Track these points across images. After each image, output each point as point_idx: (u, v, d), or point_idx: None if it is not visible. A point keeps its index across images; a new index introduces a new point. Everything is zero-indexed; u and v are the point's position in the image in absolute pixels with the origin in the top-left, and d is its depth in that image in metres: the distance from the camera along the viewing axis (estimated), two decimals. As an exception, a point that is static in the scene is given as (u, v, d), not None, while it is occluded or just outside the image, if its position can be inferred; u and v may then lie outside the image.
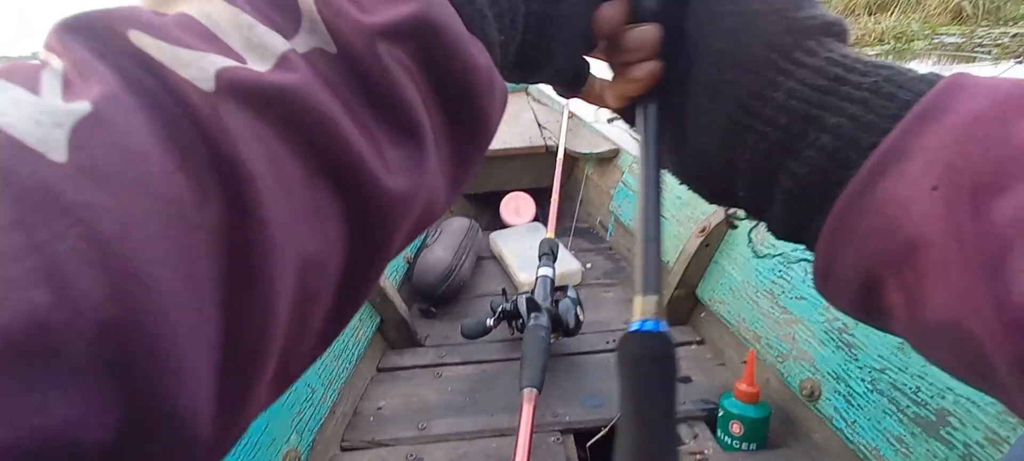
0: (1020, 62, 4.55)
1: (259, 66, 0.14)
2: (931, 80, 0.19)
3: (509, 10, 0.21)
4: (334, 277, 0.16)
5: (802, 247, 0.72)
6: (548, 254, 1.01)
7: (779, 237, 0.24)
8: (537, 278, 0.97)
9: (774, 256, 0.88)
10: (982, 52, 5.72)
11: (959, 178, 0.17)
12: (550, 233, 1.09)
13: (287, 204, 0.14)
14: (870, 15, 9.77)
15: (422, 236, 1.29)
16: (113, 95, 0.12)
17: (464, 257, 1.23)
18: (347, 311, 0.17)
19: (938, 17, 9.13)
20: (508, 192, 1.61)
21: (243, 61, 0.14)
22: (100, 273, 0.10)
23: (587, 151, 1.56)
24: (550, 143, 1.65)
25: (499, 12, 0.21)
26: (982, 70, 4.48)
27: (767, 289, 0.86)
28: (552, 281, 0.96)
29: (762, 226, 0.80)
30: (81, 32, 0.13)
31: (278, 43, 0.15)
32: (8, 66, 0.13)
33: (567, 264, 1.21)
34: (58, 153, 0.11)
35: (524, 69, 0.25)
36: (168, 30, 0.14)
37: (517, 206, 1.59)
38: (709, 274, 1.01)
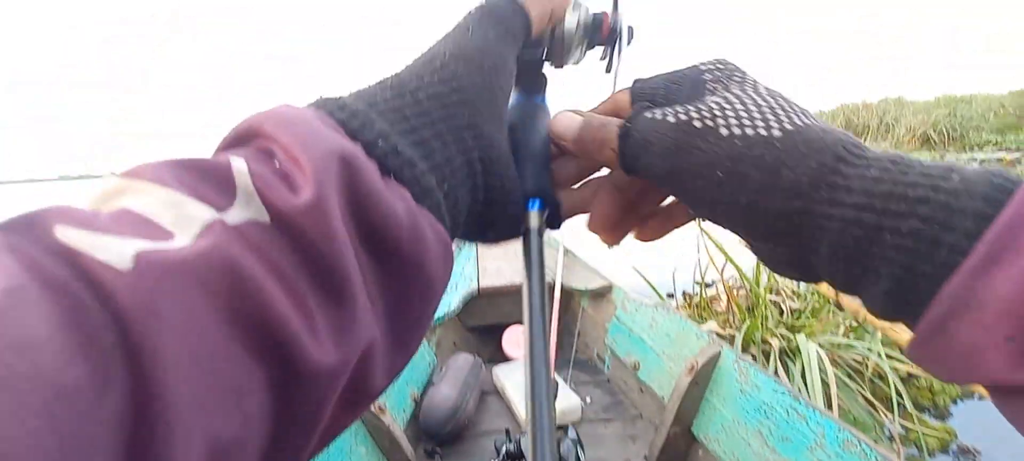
0: None
1: (184, 239, 0.14)
2: (999, 189, 0.16)
3: (446, 162, 0.21)
4: (256, 455, 0.15)
5: (782, 389, 0.79)
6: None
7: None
8: None
9: (759, 394, 0.92)
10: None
11: None
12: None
13: (201, 381, 0.13)
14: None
15: (429, 374, 1.36)
16: (14, 288, 0.12)
17: (469, 394, 1.27)
18: None
19: (908, 143, 9.78)
20: (510, 324, 1.67)
21: (171, 237, 0.14)
22: None
23: (582, 287, 1.64)
24: (549, 279, 1.74)
25: (434, 164, 0.21)
26: None
27: (756, 428, 0.91)
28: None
29: (744, 363, 0.86)
30: (5, 229, 0.13)
31: (205, 214, 0.15)
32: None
33: (567, 400, 1.27)
34: None
35: (482, 226, 0.25)
36: (97, 221, 0.14)
37: (518, 340, 1.62)
38: (702, 412, 1.05)
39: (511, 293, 1.72)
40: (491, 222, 0.25)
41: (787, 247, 0.21)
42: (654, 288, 2.30)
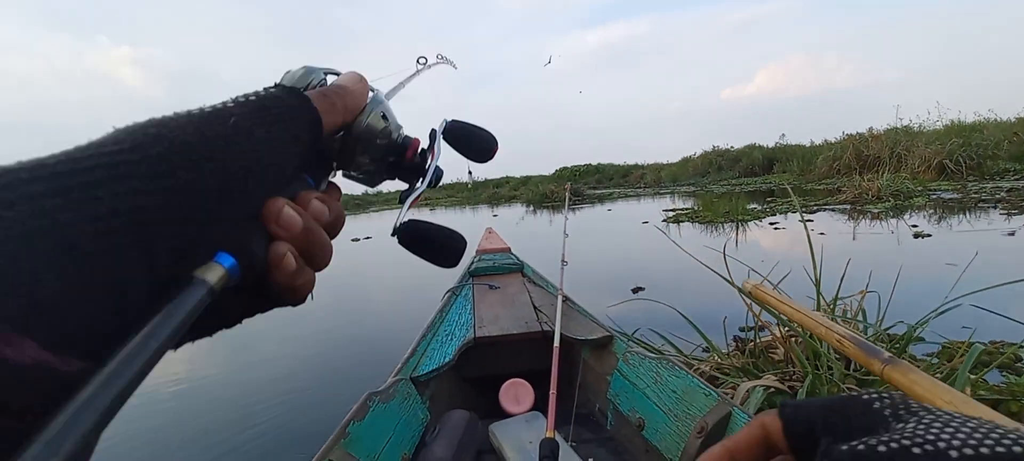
0: None
1: None
2: None
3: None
4: None
5: None
6: (549, 457, 0.99)
7: None
8: None
9: None
10: (984, 205, 5.94)
11: None
12: (550, 431, 1.09)
13: None
14: (863, 172, 10.36)
15: (421, 433, 1.31)
16: None
17: (465, 456, 1.23)
18: None
19: (924, 173, 9.65)
20: (508, 376, 1.62)
21: None
22: None
23: (583, 337, 1.60)
24: (547, 328, 1.70)
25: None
26: (998, 222, 4.64)
27: None
28: None
29: None
30: None
31: None
32: None
33: None
34: None
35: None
36: None
37: (516, 393, 1.58)
38: None
39: (510, 343, 1.69)
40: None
41: None
42: (701, 332, 2.15)
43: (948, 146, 9.84)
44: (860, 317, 2.10)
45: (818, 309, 1.85)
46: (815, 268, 1.93)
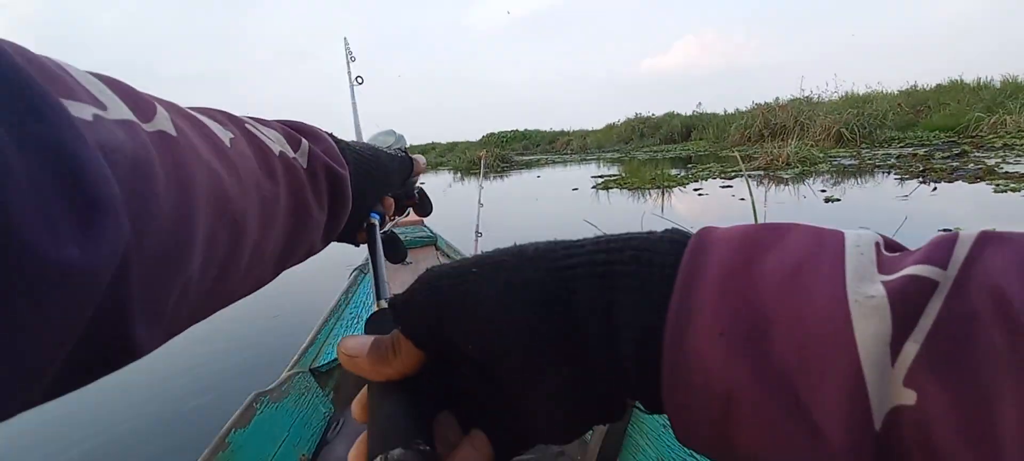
0: (923, 182, 5.15)
1: (287, 152, 0.34)
2: (676, 242, 0.20)
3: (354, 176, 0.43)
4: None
5: None
6: None
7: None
8: None
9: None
10: (879, 172, 6.41)
11: (736, 324, 0.17)
12: None
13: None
14: (771, 140, 11.02)
15: (322, 429, 1.17)
16: (238, 136, 0.29)
17: None
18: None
19: (825, 141, 10.41)
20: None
21: (277, 146, 0.33)
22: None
23: None
24: None
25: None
26: (893, 187, 5.01)
27: None
28: None
29: None
30: (225, 114, 0.31)
31: (290, 153, 0.35)
32: (180, 107, 0.26)
33: None
34: (226, 142, 0.27)
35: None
36: (258, 127, 0.33)
37: None
38: (626, 449, 1.00)
39: None
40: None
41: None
42: None
43: (844, 116, 10.65)
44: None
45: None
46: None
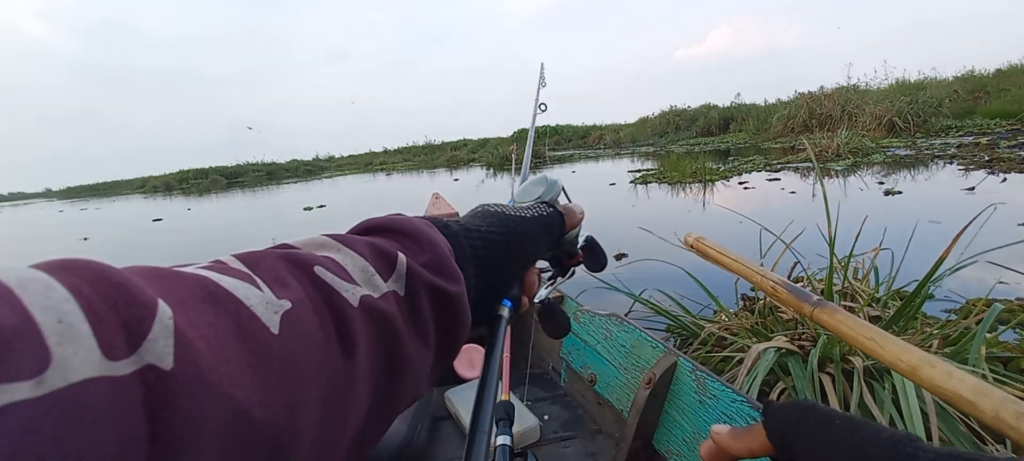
0: (991, 173, 4.80)
1: (373, 292, 0.26)
2: None
3: (478, 274, 0.35)
4: (361, 415, 0.26)
5: (740, 398, 0.86)
6: (504, 419, 0.97)
7: None
8: (495, 447, 0.92)
9: (718, 405, 0.90)
10: (939, 162, 6.05)
11: None
12: (504, 393, 1.06)
13: (387, 363, 0.27)
14: (817, 130, 10.57)
15: None
16: (302, 300, 0.22)
17: (420, 425, 1.19)
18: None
19: (875, 131, 9.91)
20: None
21: (360, 288, 0.26)
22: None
23: (533, 299, 1.50)
24: None
25: (475, 277, 0.35)
26: (957, 179, 4.68)
27: None
28: (511, 449, 0.93)
29: (702, 373, 0.97)
30: (286, 260, 0.24)
31: (381, 284, 0.27)
32: (220, 266, 0.22)
33: (524, 422, 1.22)
34: (274, 327, 0.20)
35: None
36: (333, 267, 0.25)
37: (470, 359, 1.55)
38: (662, 425, 1.03)
39: None
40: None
41: None
42: (710, 293, 2.09)
43: (897, 104, 10.11)
44: (872, 275, 2.06)
45: (831, 267, 1.70)
46: (830, 226, 1.78)
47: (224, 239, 7.52)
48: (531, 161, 1.11)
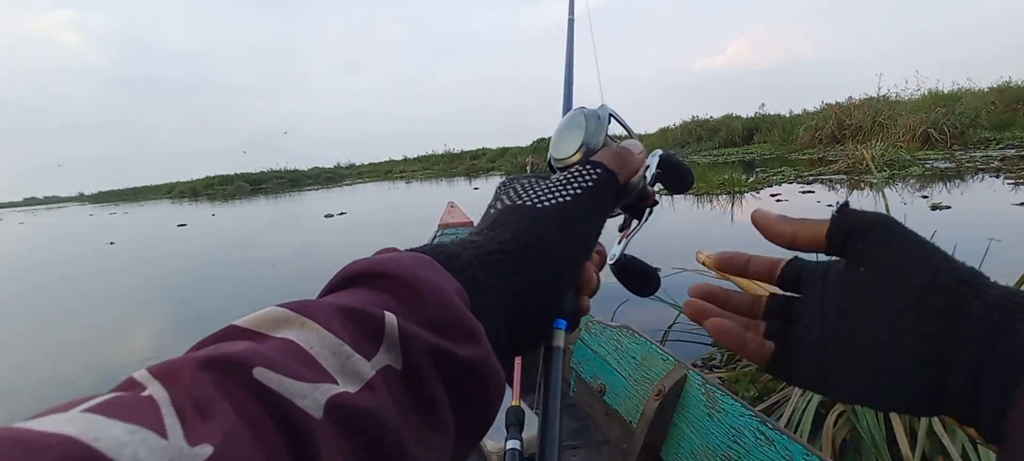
0: None
1: (351, 384, 0.18)
2: None
3: (509, 309, 0.27)
4: None
5: (748, 412, 0.89)
6: (515, 424, 0.95)
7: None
8: (505, 451, 0.89)
9: (726, 419, 0.90)
10: (981, 175, 5.79)
11: None
12: (515, 399, 1.04)
13: None
14: (848, 141, 10.27)
15: None
16: (232, 433, 0.15)
17: None
18: None
19: (909, 142, 9.59)
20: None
21: (337, 384, 0.18)
22: None
23: None
24: None
25: (499, 318, 0.26)
26: (1007, 193, 4.43)
27: (724, 452, 0.89)
28: (520, 453, 0.92)
29: (711, 387, 1.02)
30: (213, 369, 0.16)
31: (365, 369, 0.19)
32: (118, 400, 0.15)
33: (534, 429, 1.09)
34: None
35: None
36: (285, 365, 0.17)
37: None
38: (671, 437, 1.03)
39: None
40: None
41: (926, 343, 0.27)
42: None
43: (931, 115, 9.79)
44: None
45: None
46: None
47: (247, 238, 7.57)
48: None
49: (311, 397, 0.17)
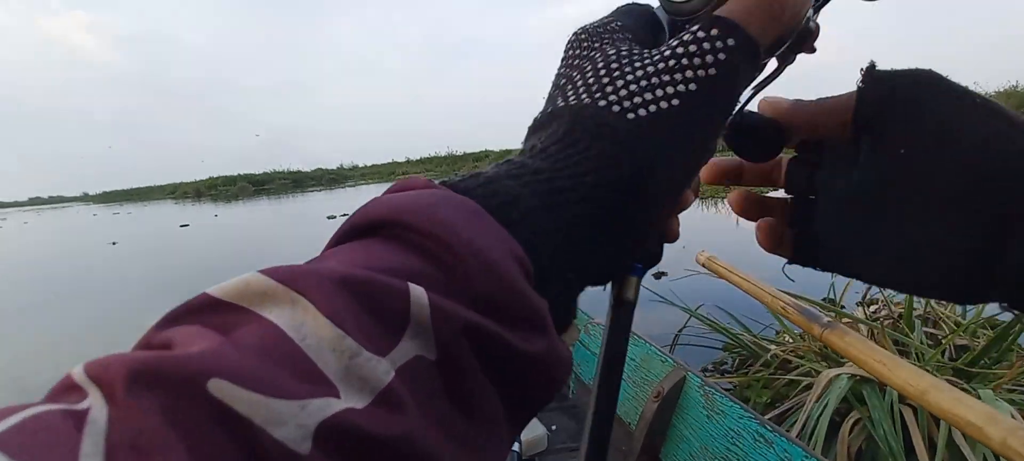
0: None
1: (357, 402, 0.12)
2: None
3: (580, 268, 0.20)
4: None
5: (747, 415, 0.88)
6: None
7: None
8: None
9: (725, 421, 0.90)
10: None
11: None
12: None
13: None
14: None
15: None
16: None
17: None
18: None
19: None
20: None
21: (338, 395, 0.12)
22: None
23: None
24: None
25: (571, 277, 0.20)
26: None
27: (723, 454, 0.90)
28: (519, 456, 0.94)
29: (710, 389, 1.01)
30: (155, 387, 0.11)
31: (378, 373, 0.13)
32: (39, 422, 0.10)
33: (532, 431, 1.23)
34: None
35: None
36: (255, 373, 0.12)
37: None
38: (670, 439, 1.03)
39: None
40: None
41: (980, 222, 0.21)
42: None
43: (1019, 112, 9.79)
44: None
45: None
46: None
47: (248, 239, 7.56)
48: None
49: (294, 422, 0.11)
